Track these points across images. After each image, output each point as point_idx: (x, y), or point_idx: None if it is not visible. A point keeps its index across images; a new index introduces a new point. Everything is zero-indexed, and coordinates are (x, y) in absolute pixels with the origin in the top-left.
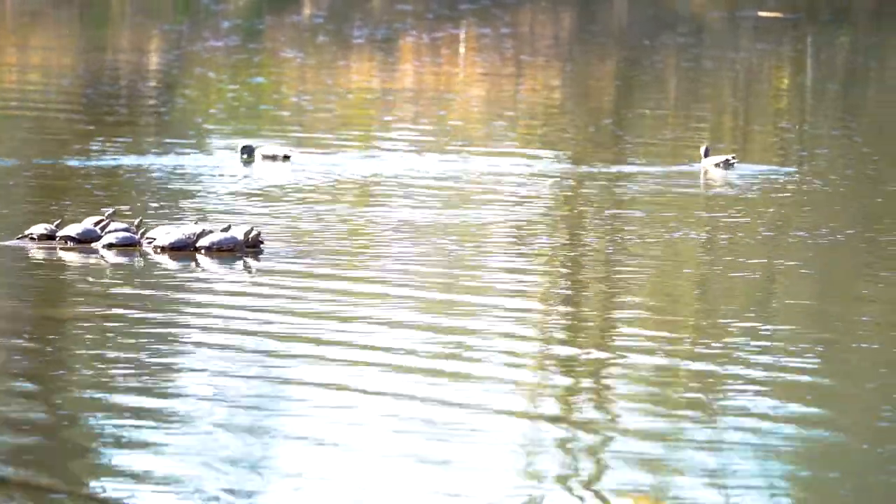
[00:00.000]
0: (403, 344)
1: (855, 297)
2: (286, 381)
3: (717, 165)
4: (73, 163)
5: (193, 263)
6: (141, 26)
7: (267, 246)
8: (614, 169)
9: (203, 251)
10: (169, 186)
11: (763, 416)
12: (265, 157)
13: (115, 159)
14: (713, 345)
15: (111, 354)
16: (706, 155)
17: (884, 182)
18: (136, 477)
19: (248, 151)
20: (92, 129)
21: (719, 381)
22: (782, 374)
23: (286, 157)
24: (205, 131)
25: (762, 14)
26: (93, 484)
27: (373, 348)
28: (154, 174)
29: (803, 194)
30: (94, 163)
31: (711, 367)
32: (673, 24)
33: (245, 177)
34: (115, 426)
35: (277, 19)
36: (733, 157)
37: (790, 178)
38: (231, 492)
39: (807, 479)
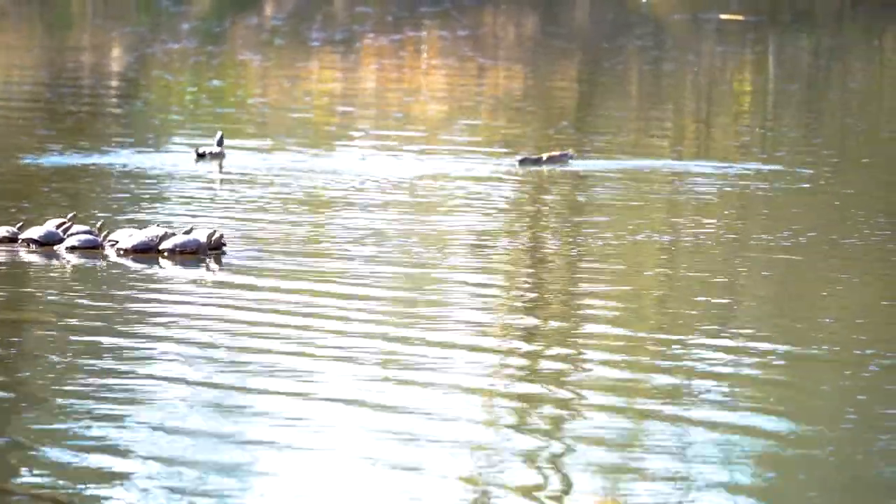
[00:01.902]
0: (366, 346)
1: (816, 300)
2: (249, 383)
3: (549, 160)
4: (31, 165)
5: (156, 266)
6: (101, 28)
7: (230, 248)
8: (576, 169)
9: (166, 254)
10: (128, 189)
11: (725, 422)
12: (209, 155)
13: (73, 161)
14: (674, 348)
15: (73, 358)
16: (523, 156)
17: (844, 185)
18: (98, 479)
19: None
20: (50, 131)
21: (681, 388)
22: (744, 379)
23: (202, 156)
24: (163, 134)
25: (724, 16)
26: (53, 486)
27: (336, 350)
28: (113, 177)
29: (764, 196)
30: (52, 165)
31: (673, 372)
32: (634, 27)
33: (205, 179)
34: (76, 429)
35: (237, 22)
36: (572, 153)
37: (751, 181)
38: (194, 494)
39: (770, 484)
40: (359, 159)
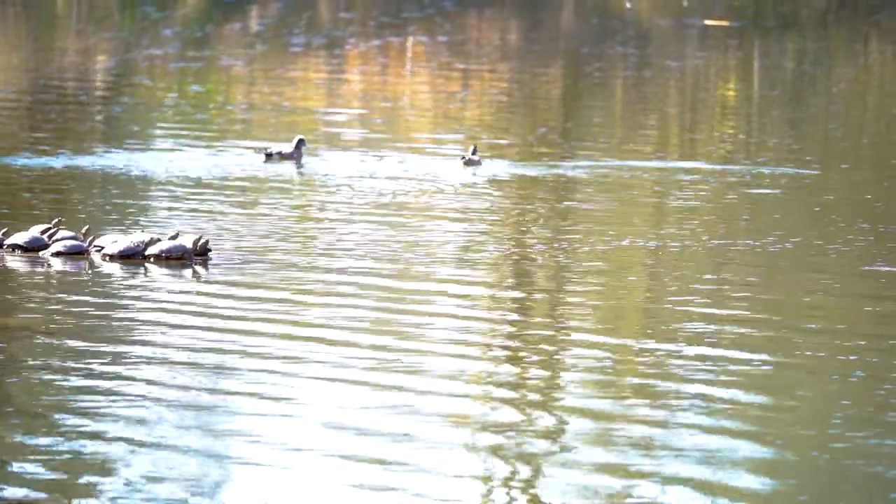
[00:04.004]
0: (351, 351)
1: (800, 306)
2: (233, 387)
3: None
4: (13, 169)
5: (142, 271)
6: (84, 33)
7: (215, 254)
8: (558, 174)
9: (152, 259)
10: (113, 194)
11: (711, 426)
12: (277, 154)
13: (57, 166)
14: (658, 354)
15: (59, 363)
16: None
17: (826, 190)
18: (83, 477)
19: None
20: (33, 136)
21: (667, 393)
22: (729, 384)
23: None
24: (144, 139)
25: (709, 22)
26: (34, 494)
27: (320, 355)
28: (94, 182)
29: (747, 202)
30: (36, 170)
31: (657, 377)
32: (618, 32)
33: (190, 184)
34: (60, 434)
35: (220, 28)
36: (465, 155)
37: (734, 186)
38: (182, 497)
39: (758, 487)
40: (341, 165)
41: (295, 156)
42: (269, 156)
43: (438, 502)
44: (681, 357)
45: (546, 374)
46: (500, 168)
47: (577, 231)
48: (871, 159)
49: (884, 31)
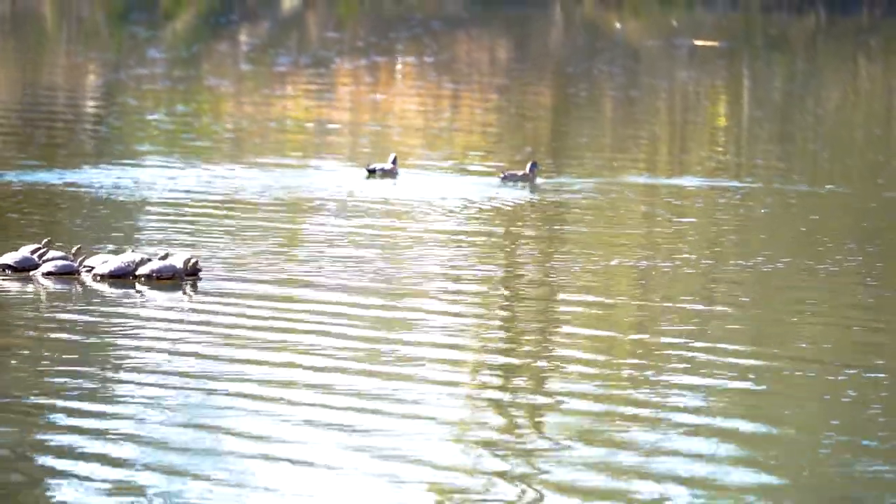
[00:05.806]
0: (341, 369)
1: (791, 325)
2: (225, 407)
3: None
4: (1, 189)
5: (133, 292)
6: (72, 53)
7: (206, 274)
8: (545, 193)
9: (142, 279)
10: (101, 214)
11: (701, 453)
12: (379, 171)
13: (43, 186)
14: (648, 373)
15: (50, 382)
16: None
17: (813, 210)
18: (80, 498)
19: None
20: (18, 155)
21: (657, 417)
22: (719, 409)
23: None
24: (131, 158)
25: (698, 42)
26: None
27: (310, 373)
28: (84, 201)
29: (735, 221)
30: (23, 190)
31: (648, 401)
32: (608, 52)
33: (184, 204)
34: (52, 454)
35: (208, 48)
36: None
37: (722, 206)
38: None
39: None
40: (335, 182)
41: (395, 172)
42: (371, 172)
43: None
44: (669, 379)
45: (538, 396)
46: (487, 187)
47: (564, 250)
48: (859, 179)
49: (872, 51)
